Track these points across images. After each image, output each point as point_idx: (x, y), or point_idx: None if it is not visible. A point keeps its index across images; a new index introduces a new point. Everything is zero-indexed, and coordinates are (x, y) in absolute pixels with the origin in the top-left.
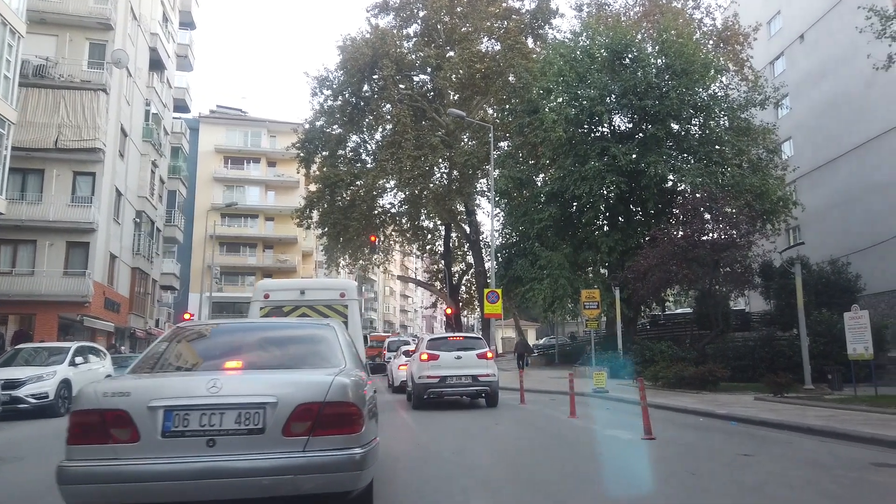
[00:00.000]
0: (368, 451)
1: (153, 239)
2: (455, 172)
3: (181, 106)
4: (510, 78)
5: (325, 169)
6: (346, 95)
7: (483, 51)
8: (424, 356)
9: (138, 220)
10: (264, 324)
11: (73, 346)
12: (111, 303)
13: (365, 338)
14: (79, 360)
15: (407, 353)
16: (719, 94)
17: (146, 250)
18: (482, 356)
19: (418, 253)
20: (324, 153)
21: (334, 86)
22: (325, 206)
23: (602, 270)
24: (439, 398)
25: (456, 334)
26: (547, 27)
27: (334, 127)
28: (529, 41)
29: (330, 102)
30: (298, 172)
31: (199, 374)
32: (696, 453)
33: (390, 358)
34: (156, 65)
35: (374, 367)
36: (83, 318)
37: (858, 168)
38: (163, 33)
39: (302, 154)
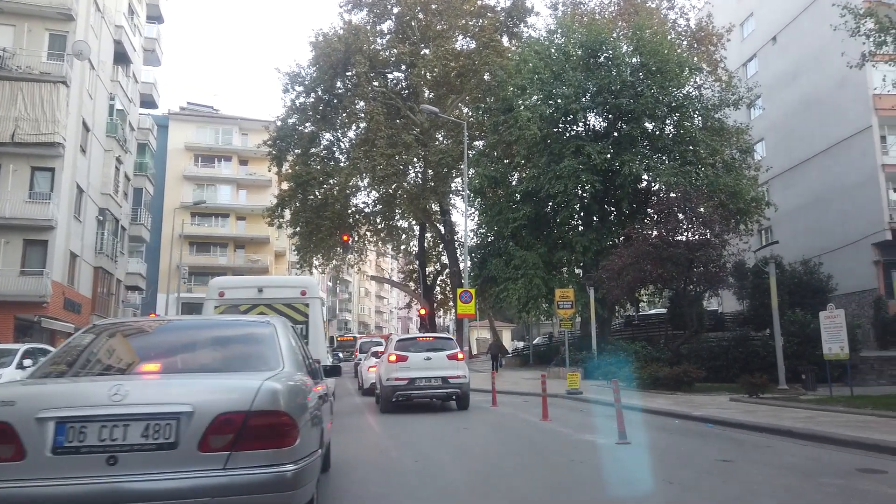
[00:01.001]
0: (304, 467)
1: (118, 238)
2: (430, 172)
3: (148, 101)
4: (485, 76)
5: (297, 167)
6: (319, 92)
7: (458, 49)
8: (393, 357)
9: (101, 217)
10: (194, 321)
11: (22, 348)
12: (72, 303)
13: (332, 339)
14: (27, 362)
15: (376, 354)
16: (693, 93)
17: (110, 249)
18: (453, 357)
19: (392, 253)
20: (296, 151)
21: (306, 82)
22: (297, 204)
23: (577, 270)
24: (408, 401)
25: (426, 335)
26: (522, 26)
27: (307, 124)
28: (505, 39)
29: (302, 99)
30: (270, 171)
31: (101, 380)
32: (673, 459)
33: (361, 359)
34: (121, 58)
35: (329, 369)
36: (41, 318)
37: (829, 169)
38: (128, 26)
39: (273, 152)
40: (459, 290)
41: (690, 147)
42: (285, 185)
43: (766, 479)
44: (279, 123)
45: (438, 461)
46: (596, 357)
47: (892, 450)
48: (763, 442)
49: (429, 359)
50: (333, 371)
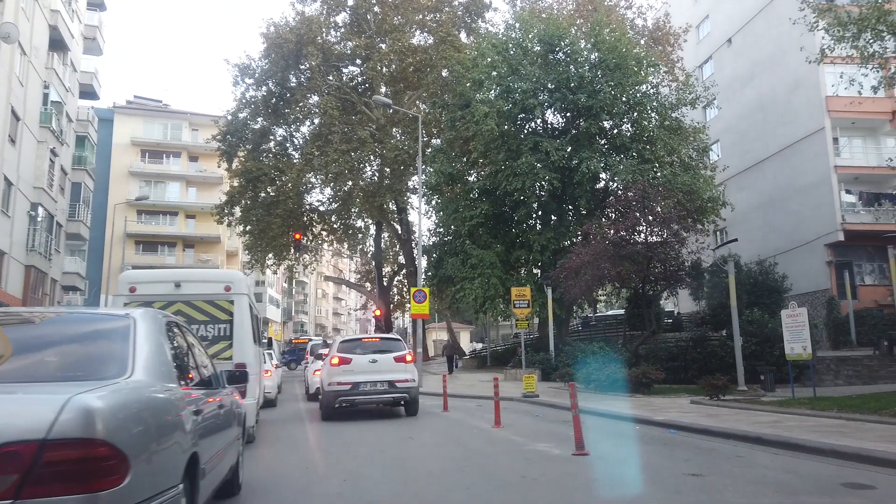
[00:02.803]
0: None
1: (53, 235)
2: (387, 169)
3: (89, 92)
4: (443, 73)
5: (247, 163)
6: (270, 85)
7: (415, 44)
8: (335, 360)
9: (33, 213)
10: (30, 313)
11: None
12: None
13: (269, 341)
14: None
15: (320, 357)
16: (651, 91)
17: (44, 247)
18: (400, 359)
19: (348, 253)
20: (247, 147)
21: (256, 74)
22: (248, 201)
23: (535, 270)
24: (352, 407)
25: (371, 335)
26: (480, 21)
27: (258, 119)
28: (463, 35)
29: (252, 92)
30: (220, 167)
31: None
32: (637, 474)
33: (307, 363)
34: (57, 45)
35: (232, 375)
36: None
37: (783, 171)
38: (65, 11)
39: (223, 147)
40: (413, 290)
41: (648, 146)
42: (235, 182)
43: (744, 499)
44: (229, 118)
45: (369, 479)
46: (553, 358)
47: (873, 459)
48: (732, 450)
49: (374, 361)
50: (238, 377)
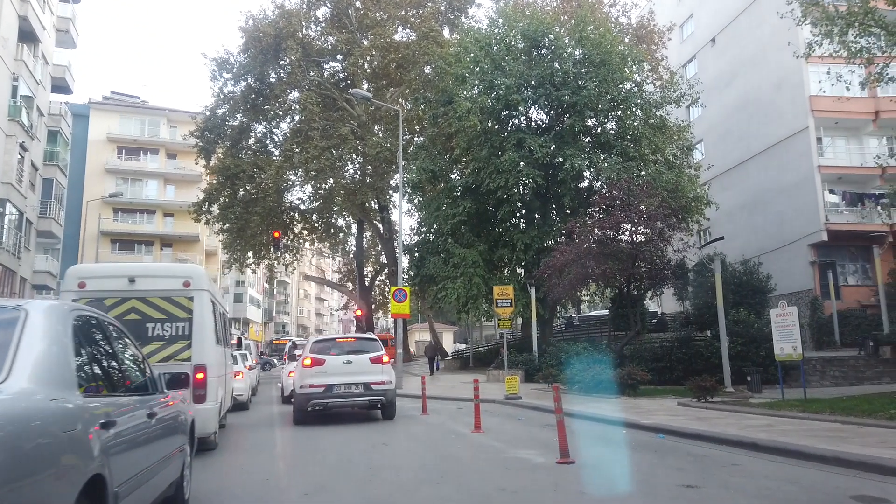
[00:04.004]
0: None
1: (22, 232)
2: (369, 167)
3: (62, 86)
4: (426, 69)
5: (226, 160)
6: (250, 80)
7: (397, 40)
8: (307, 361)
9: (1, 209)
10: None
11: None
12: None
13: (239, 341)
14: None
15: (294, 358)
16: (635, 89)
17: (12, 244)
18: (377, 360)
19: (329, 252)
20: (226, 144)
21: (235, 69)
22: (226, 199)
23: (518, 270)
24: (326, 410)
25: (346, 335)
26: (463, 17)
27: (237, 115)
28: (446, 32)
29: (231, 87)
30: (197, 163)
31: None
32: (626, 486)
33: (284, 364)
34: (28, 37)
35: (174, 378)
36: None
37: (767, 170)
38: (36, 1)
39: (201, 143)
40: (393, 289)
41: (632, 144)
42: (213, 179)
43: None
44: (207, 114)
45: (333, 493)
46: (537, 359)
47: (881, 468)
48: (727, 458)
49: (349, 362)
50: (179, 381)
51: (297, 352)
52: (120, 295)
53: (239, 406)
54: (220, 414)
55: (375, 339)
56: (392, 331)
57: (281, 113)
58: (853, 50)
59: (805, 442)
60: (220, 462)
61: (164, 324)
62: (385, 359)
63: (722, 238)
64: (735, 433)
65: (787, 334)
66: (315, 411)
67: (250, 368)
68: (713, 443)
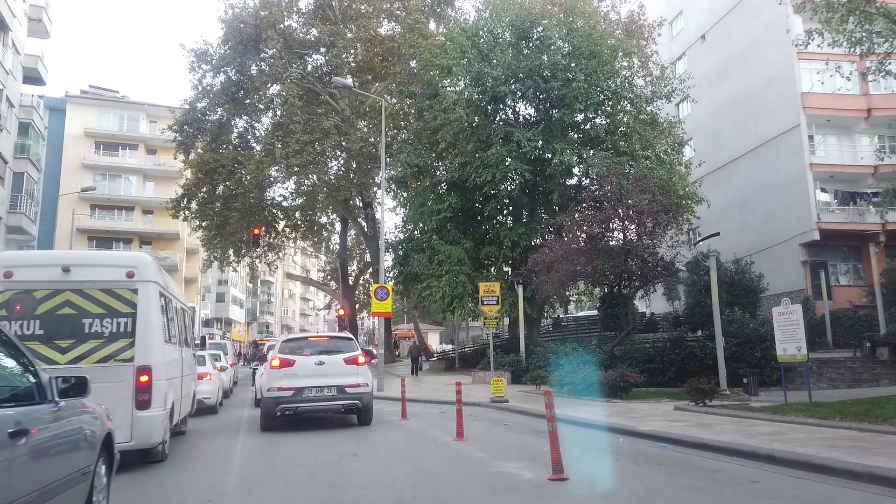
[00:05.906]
0: None
1: None
2: (353, 164)
3: (34, 77)
4: (411, 63)
5: (205, 155)
6: (230, 73)
7: (382, 33)
8: (276, 362)
9: None
10: None
11: None
12: None
13: (203, 340)
14: None
15: (264, 358)
16: (625, 83)
17: None
18: (351, 361)
19: (312, 251)
20: (206, 138)
21: (214, 61)
22: (205, 195)
23: (505, 268)
24: (296, 415)
25: (319, 334)
26: (449, 10)
27: (217, 109)
28: (432, 25)
29: (210, 80)
30: (176, 158)
31: None
32: None
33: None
34: None
35: (69, 387)
36: None
37: (758, 169)
38: None
39: (179, 138)
40: (375, 287)
41: (623, 139)
42: (191, 174)
43: None
44: (186, 107)
45: None
46: (524, 360)
47: None
48: (742, 472)
49: (321, 363)
50: (75, 389)
51: (271, 352)
52: (52, 286)
53: (207, 410)
54: (173, 421)
55: (351, 339)
56: (375, 331)
57: (262, 107)
58: (853, 40)
59: (827, 454)
60: (162, 478)
61: (103, 319)
62: (361, 360)
63: (717, 234)
64: (745, 442)
65: (790, 334)
66: (284, 416)
67: (222, 370)
68: (722, 454)
